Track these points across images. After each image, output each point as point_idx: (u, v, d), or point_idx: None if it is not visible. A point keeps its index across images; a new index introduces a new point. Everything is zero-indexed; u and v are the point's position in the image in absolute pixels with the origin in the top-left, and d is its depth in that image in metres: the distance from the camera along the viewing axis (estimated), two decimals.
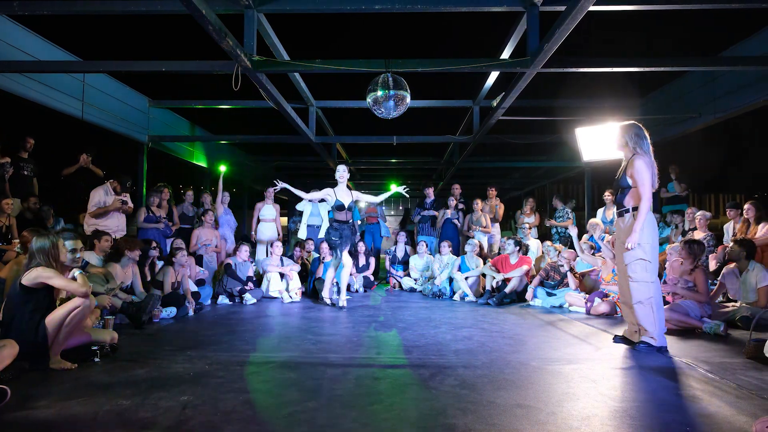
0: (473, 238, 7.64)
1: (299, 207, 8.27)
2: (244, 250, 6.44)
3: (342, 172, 5.63)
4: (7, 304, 2.95)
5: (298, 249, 7.50)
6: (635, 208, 3.54)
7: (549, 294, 5.96)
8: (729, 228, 6.43)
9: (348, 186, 5.79)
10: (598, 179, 11.58)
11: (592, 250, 6.59)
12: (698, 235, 6.56)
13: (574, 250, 5.91)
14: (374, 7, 4.71)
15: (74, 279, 3.07)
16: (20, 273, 2.99)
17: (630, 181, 3.57)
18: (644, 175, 3.48)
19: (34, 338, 2.86)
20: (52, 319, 2.92)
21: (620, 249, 3.66)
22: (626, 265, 3.55)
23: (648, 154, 3.58)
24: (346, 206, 5.54)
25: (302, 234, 8.15)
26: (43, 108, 6.31)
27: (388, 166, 13.36)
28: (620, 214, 3.70)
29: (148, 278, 5.39)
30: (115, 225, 6.03)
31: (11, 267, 4.15)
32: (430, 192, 8.68)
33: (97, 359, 3.11)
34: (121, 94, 7.89)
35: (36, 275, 2.92)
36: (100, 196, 5.95)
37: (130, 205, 6.23)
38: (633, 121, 3.71)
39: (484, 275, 6.51)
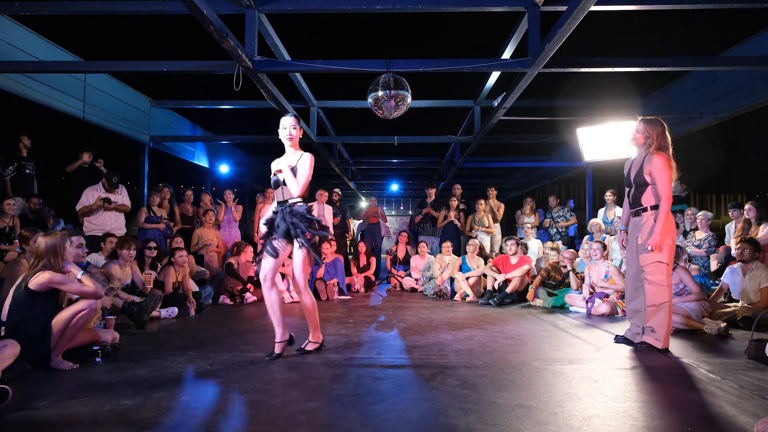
0: (475, 238, 7.64)
1: None
2: (249, 250, 6.44)
3: (287, 128, 3.26)
4: (13, 306, 2.93)
5: None
6: (653, 207, 3.42)
7: (550, 294, 5.95)
8: (731, 228, 6.43)
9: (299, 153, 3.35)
10: (599, 179, 11.57)
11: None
12: (699, 235, 6.56)
13: (575, 250, 5.90)
14: (375, 6, 4.71)
15: (79, 281, 3.07)
16: (27, 275, 2.96)
17: (649, 179, 3.45)
18: (666, 174, 3.37)
19: (41, 341, 2.86)
20: (58, 320, 2.93)
21: (633, 249, 3.56)
22: (643, 267, 3.43)
23: (668, 152, 3.48)
24: (281, 180, 3.27)
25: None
26: (44, 108, 6.32)
27: (390, 167, 13.39)
28: (637, 213, 3.55)
29: None
30: (109, 224, 5.80)
31: (12, 267, 4.16)
32: (432, 192, 8.67)
33: (98, 359, 3.11)
34: (123, 94, 7.90)
35: (46, 280, 2.90)
36: (87, 194, 5.80)
37: (120, 202, 5.92)
38: (657, 117, 3.60)
39: (485, 275, 6.50)
